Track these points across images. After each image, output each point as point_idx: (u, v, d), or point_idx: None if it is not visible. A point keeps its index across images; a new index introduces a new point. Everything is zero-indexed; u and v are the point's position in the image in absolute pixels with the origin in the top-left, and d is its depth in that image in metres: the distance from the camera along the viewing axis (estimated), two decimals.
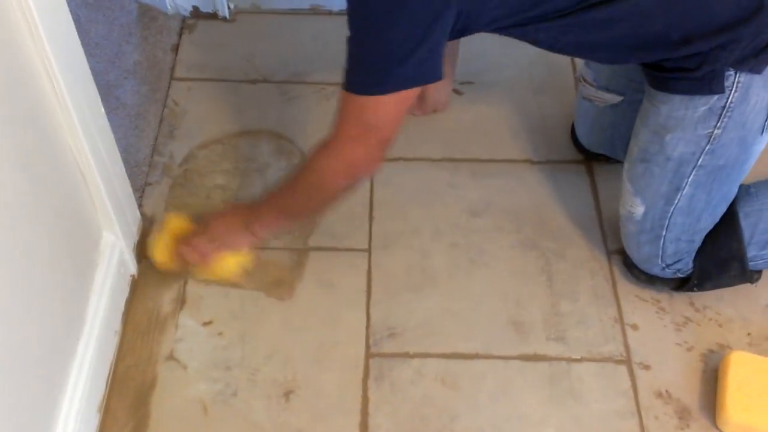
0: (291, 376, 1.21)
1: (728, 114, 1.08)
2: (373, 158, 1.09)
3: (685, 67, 1.06)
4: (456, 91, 1.60)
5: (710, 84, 1.06)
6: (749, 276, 1.29)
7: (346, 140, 1.06)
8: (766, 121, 1.11)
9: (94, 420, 1.14)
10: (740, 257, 1.25)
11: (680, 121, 1.11)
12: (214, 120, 1.56)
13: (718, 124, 1.09)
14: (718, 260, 1.26)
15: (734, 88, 1.06)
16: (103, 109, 1.14)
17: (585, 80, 1.37)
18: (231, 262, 1.25)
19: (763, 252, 1.26)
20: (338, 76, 1.61)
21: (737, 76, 1.05)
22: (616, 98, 1.34)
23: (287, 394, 1.20)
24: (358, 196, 1.44)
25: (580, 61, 1.42)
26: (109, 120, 1.18)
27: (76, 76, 1.04)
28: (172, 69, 1.65)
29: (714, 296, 1.33)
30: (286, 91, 1.61)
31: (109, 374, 1.19)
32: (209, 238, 1.22)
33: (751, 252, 1.25)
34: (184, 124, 1.55)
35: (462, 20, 1.01)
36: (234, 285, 1.29)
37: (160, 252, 1.27)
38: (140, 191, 1.43)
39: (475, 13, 1.02)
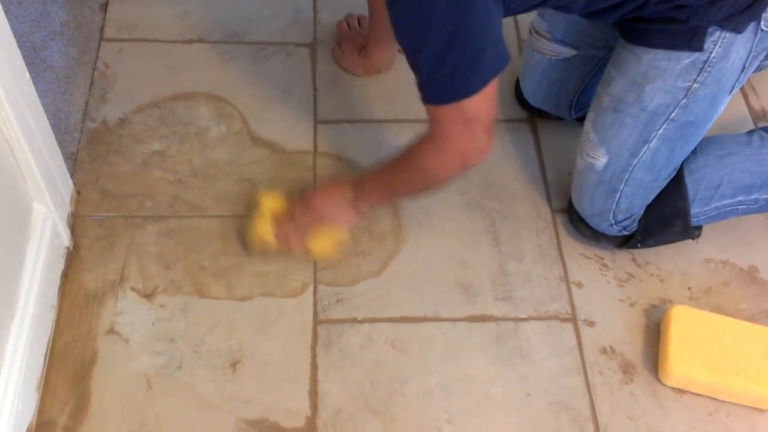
0: (237, 346, 1.19)
1: (708, 69, 1.08)
2: (482, 145, 1.08)
3: (672, 18, 1.05)
4: (400, 51, 1.57)
5: (691, 41, 1.06)
6: (691, 233, 1.31)
7: (451, 139, 1.06)
8: (736, 81, 1.12)
9: (33, 398, 1.10)
10: (684, 215, 1.27)
11: (662, 72, 1.10)
12: (148, 82, 1.49)
13: (698, 78, 1.09)
14: (662, 217, 1.28)
15: (718, 43, 1.06)
16: (28, 74, 1.09)
17: (538, 32, 1.35)
18: (327, 240, 1.23)
19: (705, 209, 1.28)
20: (277, 36, 1.60)
21: (721, 32, 1.05)
22: (570, 52, 1.33)
23: (234, 365, 1.17)
24: (302, 160, 1.41)
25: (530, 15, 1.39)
26: (36, 84, 1.12)
27: None
28: (102, 29, 1.57)
29: (655, 252, 1.35)
30: (223, 52, 1.56)
31: (47, 351, 1.15)
32: (307, 215, 1.21)
33: (694, 209, 1.27)
34: (116, 87, 1.48)
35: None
36: (332, 258, 1.28)
37: (264, 234, 1.22)
38: (72, 159, 1.37)
39: None
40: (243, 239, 1.28)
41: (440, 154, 1.09)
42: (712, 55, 1.07)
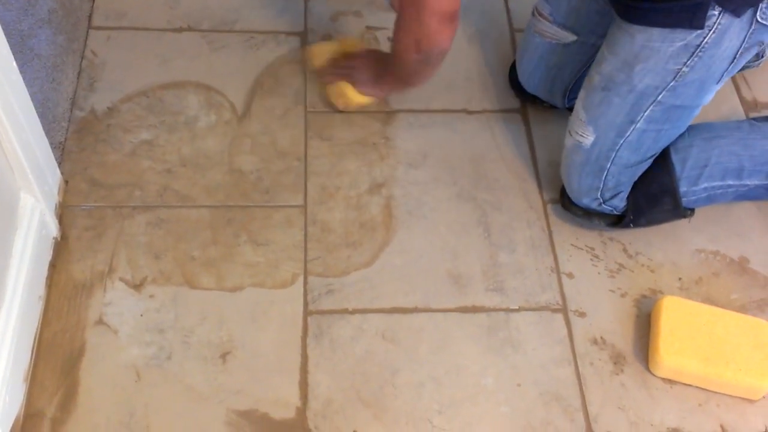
0: (227, 337, 1.19)
1: (700, 54, 1.09)
2: (431, 31, 1.16)
3: None
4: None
5: (692, 18, 1.06)
6: (683, 212, 1.31)
7: (402, 15, 1.19)
8: (725, 70, 1.13)
9: (21, 390, 1.09)
10: (672, 191, 1.27)
11: (654, 53, 1.11)
12: (136, 71, 1.48)
13: (688, 62, 1.10)
14: (650, 194, 1.29)
15: (713, 29, 1.07)
16: (14, 62, 1.07)
17: (541, 14, 1.35)
18: (354, 95, 1.41)
19: (695, 188, 1.28)
20: (267, 25, 1.58)
21: (719, 17, 1.06)
22: (570, 37, 1.33)
23: (224, 356, 1.17)
24: (293, 150, 1.40)
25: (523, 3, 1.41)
26: (23, 73, 1.10)
27: None
28: (90, 17, 1.55)
29: (646, 242, 1.35)
30: (213, 41, 1.54)
31: (34, 342, 1.14)
32: (350, 70, 1.40)
33: (682, 187, 1.27)
34: (104, 76, 1.47)
35: None
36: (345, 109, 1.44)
37: (323, 53, 1.46)
38: (60, 148, 1.35)
39: None
40: (305, 54, 1.51)
41: (398, 28, 1.22)
42: (705, 40, 1.08)
